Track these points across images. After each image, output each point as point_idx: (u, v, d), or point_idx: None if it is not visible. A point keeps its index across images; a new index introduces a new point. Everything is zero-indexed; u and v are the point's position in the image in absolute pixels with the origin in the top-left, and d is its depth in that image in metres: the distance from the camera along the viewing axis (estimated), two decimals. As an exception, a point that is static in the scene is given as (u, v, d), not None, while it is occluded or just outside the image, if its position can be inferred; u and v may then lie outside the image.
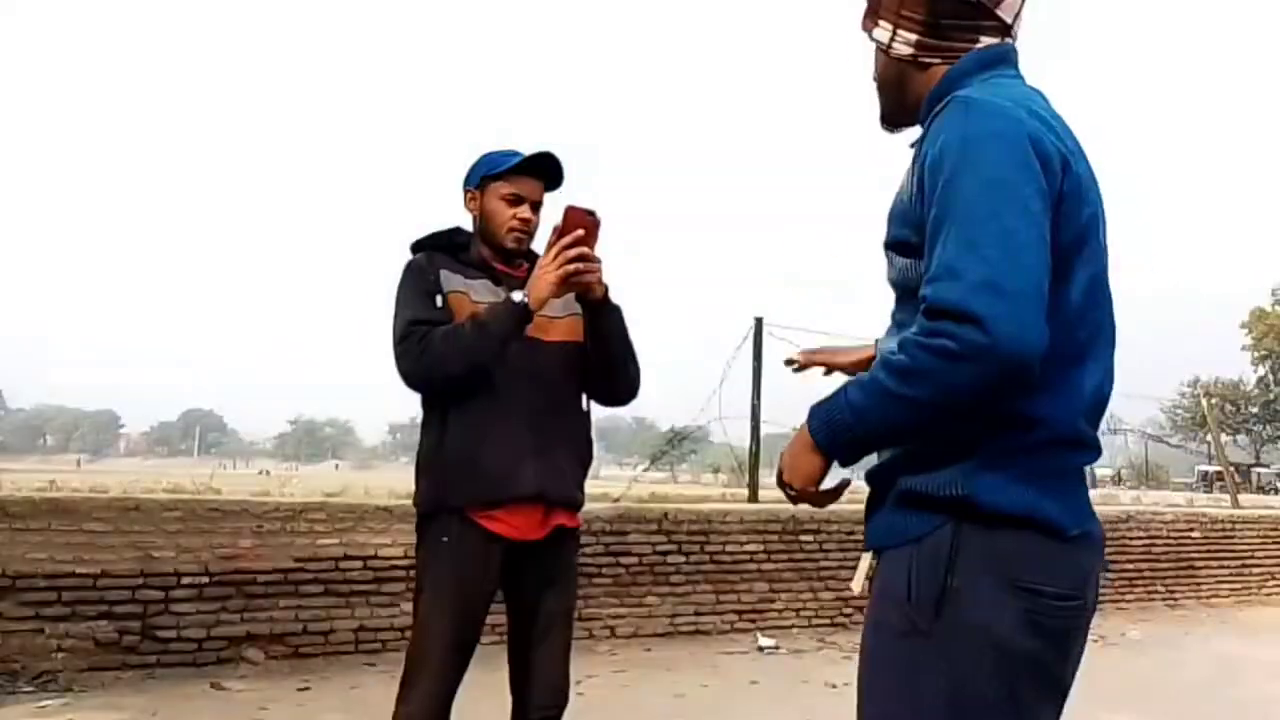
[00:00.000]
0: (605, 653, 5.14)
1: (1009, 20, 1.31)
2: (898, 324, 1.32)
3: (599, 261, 2.10)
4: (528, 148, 2.27)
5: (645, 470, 11.60)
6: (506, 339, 2.07)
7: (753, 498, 6.78)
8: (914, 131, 1.38)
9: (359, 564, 4.66)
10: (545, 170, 2.26)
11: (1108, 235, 1.32)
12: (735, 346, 7.03)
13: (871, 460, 1.33)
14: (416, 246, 2.32)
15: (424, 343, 2.07)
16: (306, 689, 4.23)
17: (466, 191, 2.28)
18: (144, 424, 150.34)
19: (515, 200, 2.22)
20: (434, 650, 2.09)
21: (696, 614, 5.62)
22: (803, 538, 5.99)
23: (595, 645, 5.24)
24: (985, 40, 1.30)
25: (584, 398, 2.30)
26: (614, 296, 2.20)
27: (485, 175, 2.24)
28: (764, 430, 7.01)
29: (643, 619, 5.47)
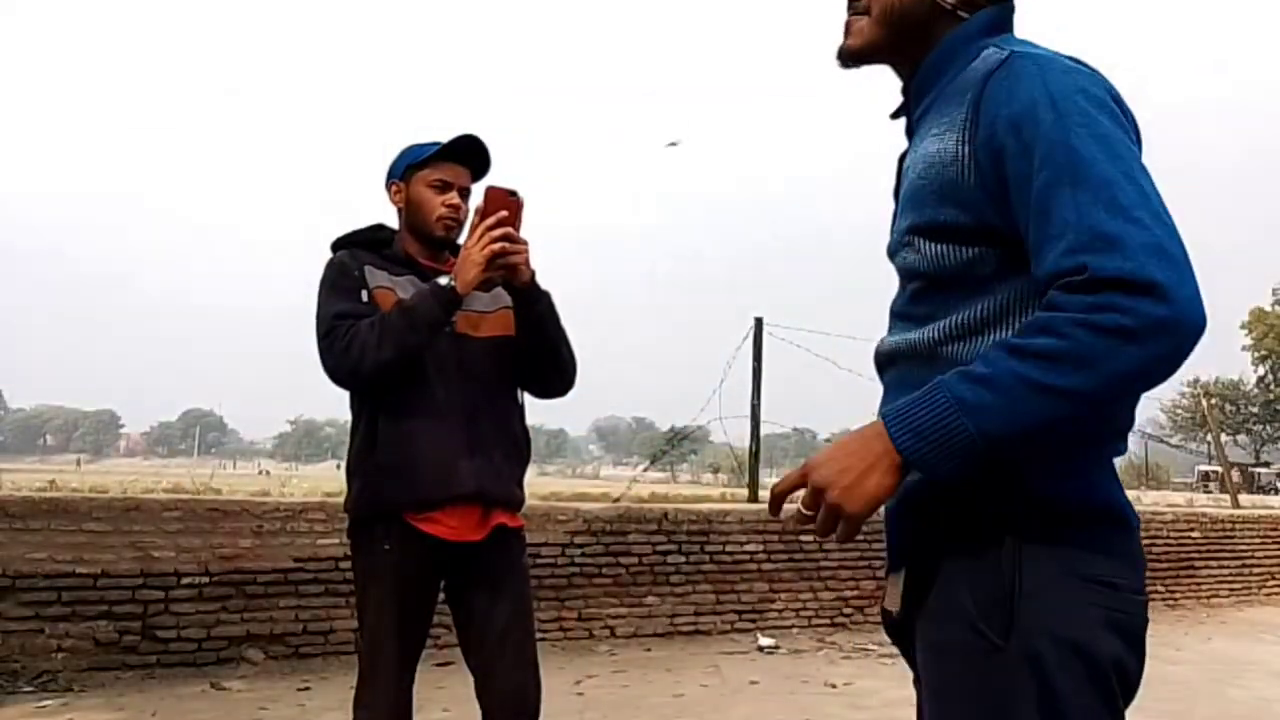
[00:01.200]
0: (605, 653, 5.14)
1: None
2: (915, 319, 1.14)
3: (525, 243, 2.02)
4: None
5: (645, 470, 11.59)
6: (436, 324, 1.99)
7: (753, 498, 6.77)
8: (886, 97, 1.22)
9: (359, 564, 4.65)
10: (471, 156, 2.17)
11: None
12: (735, 346, 7.04)
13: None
14: (337, 245, 2.22)
15: (350, 334, 1.98)
16: (306, 689, 4.24)
17: (391, 185, 2.19)
18: (144, 424, 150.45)
19: (443, 187, 2.14)
20: (387, 660, 2.05)
21: (696, 614, 5.62)
22: (803, 538, 5.98)
23: (595, 645, 5.24)
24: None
25: (518, 393, 2.22)
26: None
27: (410, 165, 2.15)
28: (764, 430, 7.02)
29: (643, 619, 5.47)
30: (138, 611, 4.35)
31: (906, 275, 1.17)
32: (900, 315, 1.18)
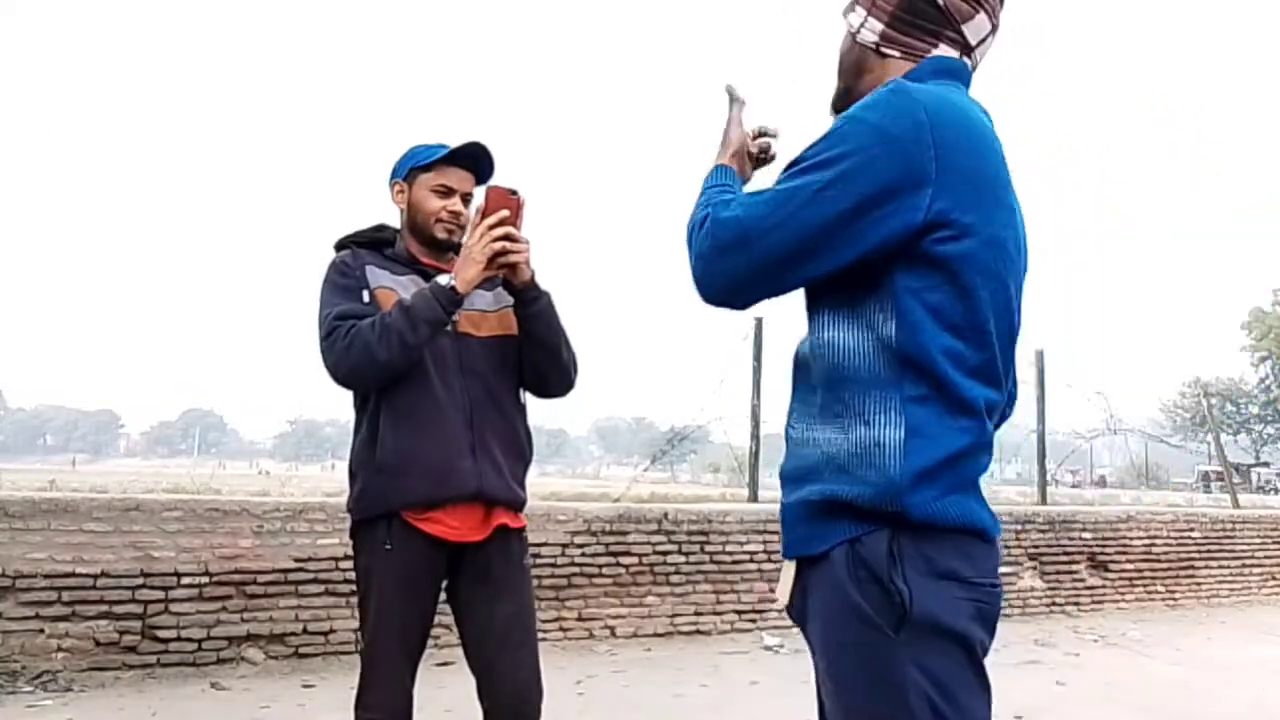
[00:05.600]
0: (605, 653, 5.14)
1: (972, 41, 1.36)
2: (814, 321, 1.37)
3: (526, 242, 2.03)
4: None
5: (645, 470, 11.58)
6: (436, 322, 2.00)
7: (753, 498, 6.77)
8: None
9: (359, 564, 4.65)
10: (474, 161, 2.18)
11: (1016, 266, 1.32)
12: (735, 347, 7.04)
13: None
14: (340, 244, 2.24)
15: (351, 335, 1.99)
16: (307, 689, 4.24)
17: (393, 184, 2.21)
18: (144, 424, 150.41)
19: (444, 192, 2.15)
20: (388, 661, 2.06)
21: (696, 614, 5.62)
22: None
23: (595, 645, 5.24)
24: (944, 48, 1.35)
25: (520, 393, 2.24)
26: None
27: (413, 167, 2.17)
28: (764, 430, 7.01)
29: (643, 619, 5.47)
30: (138, 611, 4.35)
31: None
32: (808, 316, 1.41)
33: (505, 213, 1.99)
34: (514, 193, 2.01)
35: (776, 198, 1.22)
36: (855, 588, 1.20)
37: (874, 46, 1.37)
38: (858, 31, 1.39)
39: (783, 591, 1.33)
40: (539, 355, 2.17)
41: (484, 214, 2.00)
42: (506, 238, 1.99)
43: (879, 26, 1.36)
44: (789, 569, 1.32)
